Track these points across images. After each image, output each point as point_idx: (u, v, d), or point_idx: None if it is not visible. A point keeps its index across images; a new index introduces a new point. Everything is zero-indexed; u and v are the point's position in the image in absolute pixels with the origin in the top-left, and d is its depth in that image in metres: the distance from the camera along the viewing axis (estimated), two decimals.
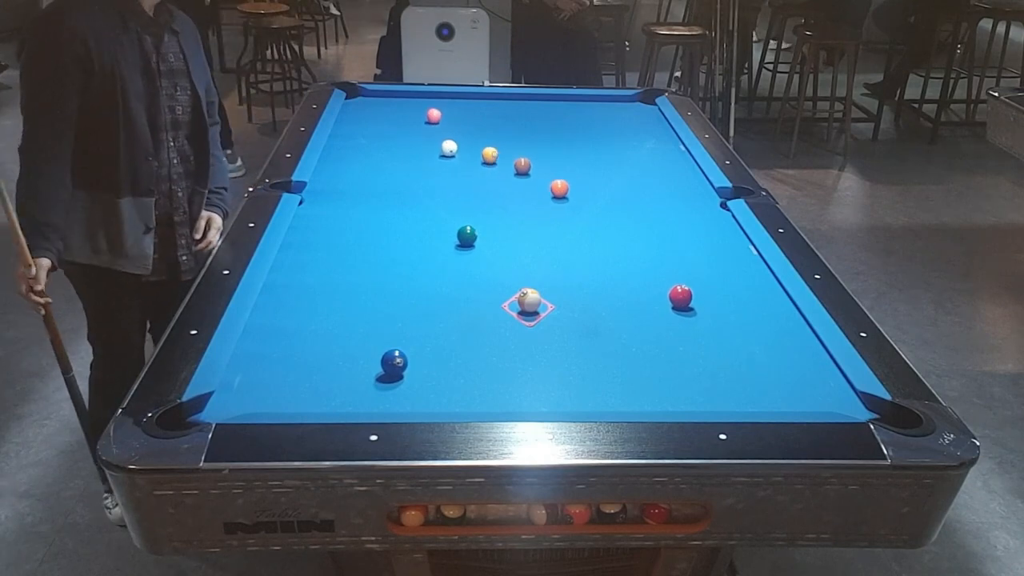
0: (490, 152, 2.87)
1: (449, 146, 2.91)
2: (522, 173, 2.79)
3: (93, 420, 2.42)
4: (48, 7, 1.99)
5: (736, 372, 1.77)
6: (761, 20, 6.83)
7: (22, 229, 1.97)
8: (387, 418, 1.54)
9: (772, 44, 6.78)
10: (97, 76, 1.97)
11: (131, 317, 2.30)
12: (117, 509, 2.45)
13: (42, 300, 2.03)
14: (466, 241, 2.28)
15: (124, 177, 2.07)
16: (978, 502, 2.71)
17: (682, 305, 2.02)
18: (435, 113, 3.21)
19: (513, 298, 2.00)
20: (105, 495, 2.51)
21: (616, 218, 2.53)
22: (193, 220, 2.26)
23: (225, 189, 2.37)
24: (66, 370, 2.21)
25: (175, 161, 2.18)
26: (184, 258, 2.25)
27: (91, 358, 2.36)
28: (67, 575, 2.33)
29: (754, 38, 5.53)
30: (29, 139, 2.00)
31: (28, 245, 1.97)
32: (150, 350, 2.31)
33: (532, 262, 2.22)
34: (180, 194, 2.21)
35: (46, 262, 2.01)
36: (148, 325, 2.40)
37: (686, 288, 2.02)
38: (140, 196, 2.11)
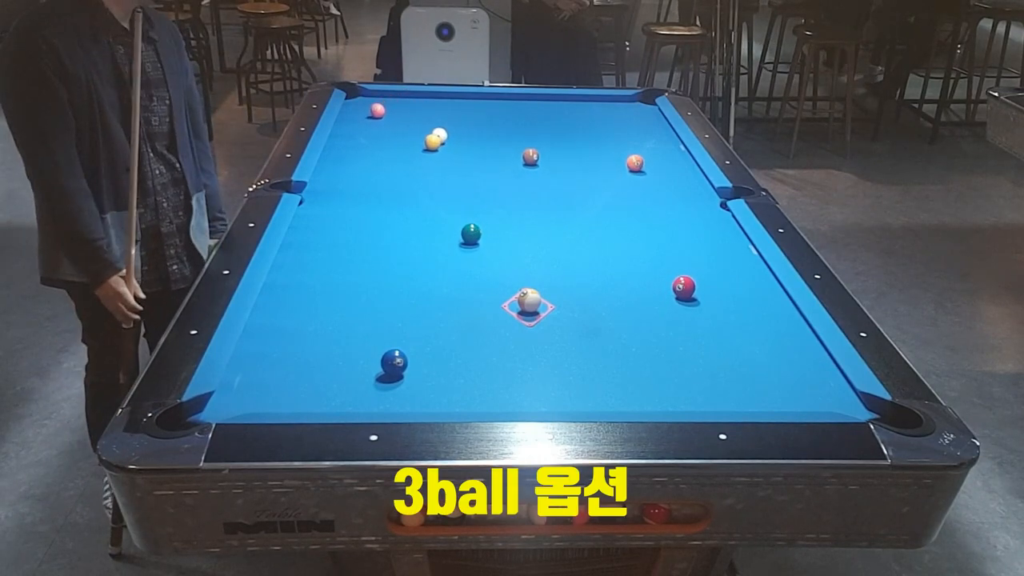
0: (434, 140, 2.96)
1: (434, 138, 2.96)
2: (530, 163, 2.87)
3: (88, 420, 2.41)
4: (17, 27, 1.95)
5: (736, 372, 1.77)
6: (760, 20, 6.83)
7: (74, 254, 2.01)
8: (387, 418, 1.54)
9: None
10: (73, 91, 1.94)
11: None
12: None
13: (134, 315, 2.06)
14: (470, 239, 2.28)
15: (107, 192, 2.05)
16: (978, 502, 2.71)
17: (686, 295, 2.03)
18: (379, 108, 3.25)
19: (513, 298, 2.00)
20: (106, 494, 2.51)
21: (616, 218, 2.53)
22: (182, 229, 2.24)
23: (223, 213, 2.40)
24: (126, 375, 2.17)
25: (157, 172, 2.16)
26: (174, 267, 2.24)
27: (87, 360, 2.35)
28: (67, 575, 2.33)
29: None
30: (42, 162, 1.95)
31: (95, 270, 2.00)
32: (144, 353, 2.33)
33: (532, 262, 2.22)
34: (166, 204, 2.19)
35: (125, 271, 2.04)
36: (143, 330, 2.39)
37: (689, 278, 2.03)
38: (124, 210, 2.08)
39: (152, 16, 2.12)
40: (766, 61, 6.93)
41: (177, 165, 2.20)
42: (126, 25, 2.03)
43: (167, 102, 2.14)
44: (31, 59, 1.90)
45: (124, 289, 2.03)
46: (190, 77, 2.27)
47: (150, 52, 2.10)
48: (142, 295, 2.07)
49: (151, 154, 2.13)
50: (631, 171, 2.84)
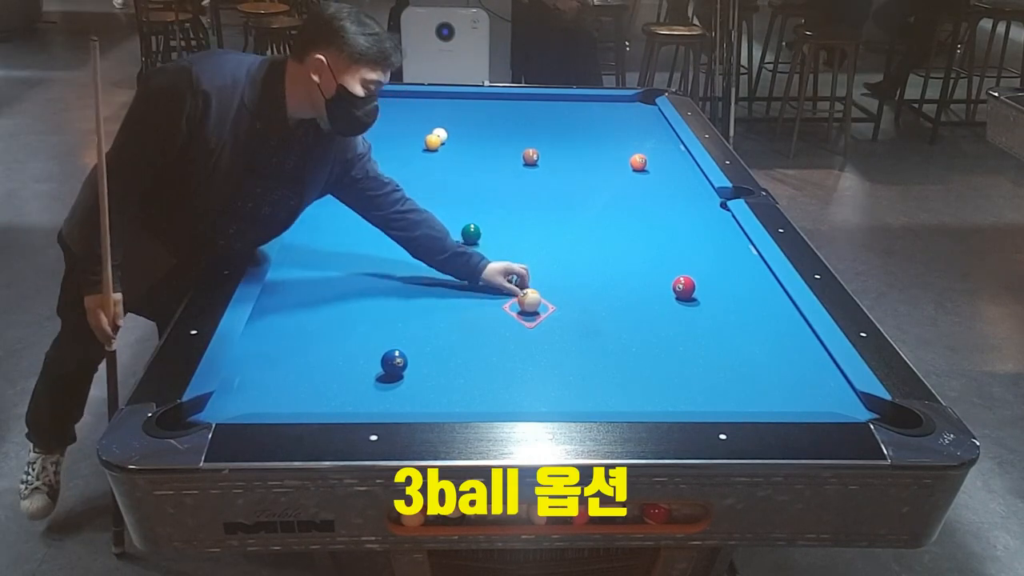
0: (434, 140, 2.98)
1: (434, 138, 2.97)
2: (530, 163, 2.87)
3: (33, 393, 2.40)
4: (197, 61, 1.87)
5: (736, 372, 1.77)
6: (760, 20, 6.83)
7: (83, 263, 1.91)
8: (387, 418, 1.54)
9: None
10: (197, 154, 1.86)
11: None
12: (26, 502, 2.38)
13: (116, 338, 1.95)
14: (470, 239, 2.28)
15: (162, 231, 1.99)
16: (978, 502, 2.71)
17: (686, 295, 2.03)
18: None
19: (513, 299, 2.00)
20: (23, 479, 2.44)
21: (616, 218, 2.53)
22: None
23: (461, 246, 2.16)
24: (114, 408, 2.09)
25: (219, 240, 2.04)
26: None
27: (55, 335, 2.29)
28: (67, 575, 2.33)
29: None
30: (113, 180, 1.82)
31: (95, 281, 1.87)
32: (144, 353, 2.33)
33: (532, 262, 2.21)
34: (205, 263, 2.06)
35: (120, 296, 1.92)
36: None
37: (689, 278, 2.03)
38: (164, 249, 2.04)
39: (326, 131, 1.97)
40: (766, 61, 6.93)
41: (249, 246, 2.11)
42: (290, 125, 1.95)
43: (292, 202, 2.04)
44: (172, 100, 1.81)
45: (101, 314, 1.90)
46: (363, 160, 2.12)
47: (301, 154, 2.00)
48: (120, 324, 1.95)
49: (231, 230, 2.02)
50: (635, 170, 2.85)
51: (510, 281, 2.07)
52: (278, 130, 1.94)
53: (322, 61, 1.85)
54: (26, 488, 2.41)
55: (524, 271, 2.08)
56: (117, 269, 1.89)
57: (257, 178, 1.97)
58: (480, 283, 2.08)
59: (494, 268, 2.07)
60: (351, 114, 1.91)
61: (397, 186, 2.16)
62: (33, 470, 2.42)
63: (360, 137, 2.10)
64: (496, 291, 2.06)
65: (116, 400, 2.08)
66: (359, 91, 1.88)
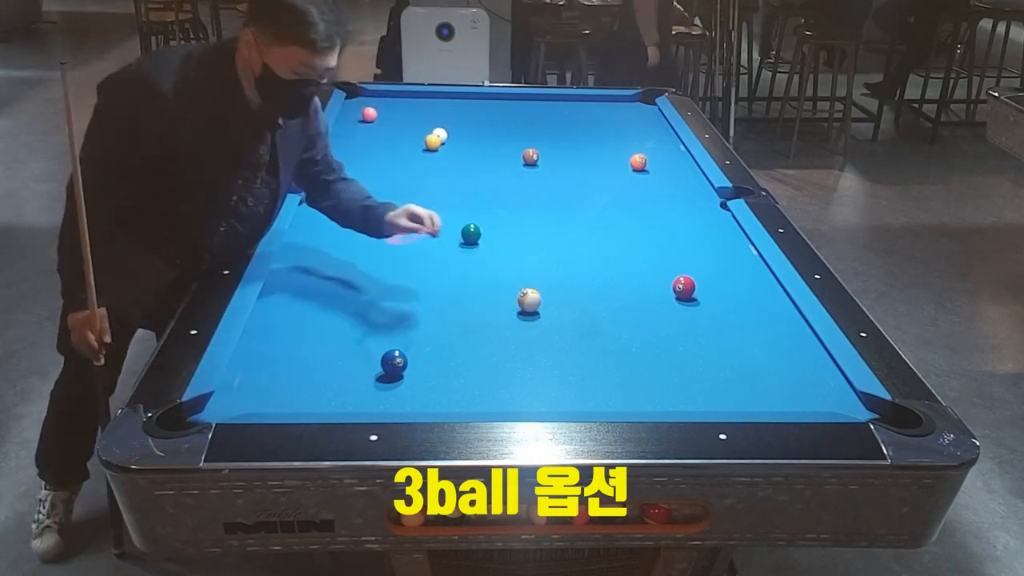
0: (434, 140, 2.98)
1: (434, 138, 2.97)
2: (530, 163, 2.87)
3: (41, 435, 2.34)
4: (150, 62, 1.83)
5: (736, 372, 1.77)
6: (757, 19, 6.84)
7: (69, 276, 1.86)
8: (387, 418, 1.54)
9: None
10: (165, 148, 1.82)
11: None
12: (37, 541, 2.36)
13: (103, 351, 1.88)
14: (470, 239, 2.28)
15: (154, 239, 1.97)
16: (978, 502, 2.71)
17: (686, 295, 2.03)
18: (370, 112, 3.22)
19: (402, 234, 2.02)
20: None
21: (616, 218, 2.53)
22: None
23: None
24: (105, 421, 2.01)
25: (212, 241, 2.01)
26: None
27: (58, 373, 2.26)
28: (67, 575, 2.33)
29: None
30: (93, 195, 1.76)
31: (81, 299, 1.81)
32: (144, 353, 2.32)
33: (532, 262, 2.22)
34: (203, 267, 2.03)
35: (104, 311, 1.86)
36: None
37: (689, 278, 2.03)
38: (162, 260, 2.01)
39: None
40: (767, 60, 6.93)
41: (246, 240, 2.10)
42: (252, 108, 1.90)
43: (272, 187, 2.03)
44: (132, 112, 1.78)
45: (87, 330, 1.84)
46: (323, 140, 2.11)
47: (267, 139, 1.97)
48: (107, 339, 1.88)
49: (222, 228, 2.00)
50: (635, 170, 2.85)
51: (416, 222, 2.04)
52: (241, 118, 1.88)
53: (251, 35, 1.76)
54: (37, 527, 2.38)
55: (431, 215, 2.03)
56: (99, 286, 1.81)
57: (234, 168, 1.94)
58: (387, 232, 2.07)
59: (396, 213, 2.05)
60: (276, 95, 1.81)
61: (344, 172, 2.17)
62: (44, 508, 2.39)
63: (320, 115, 2.05)
64: (401, 231, 2.05)
65: (108, 413, 2.01)
66: (284, 72, 1.76)
